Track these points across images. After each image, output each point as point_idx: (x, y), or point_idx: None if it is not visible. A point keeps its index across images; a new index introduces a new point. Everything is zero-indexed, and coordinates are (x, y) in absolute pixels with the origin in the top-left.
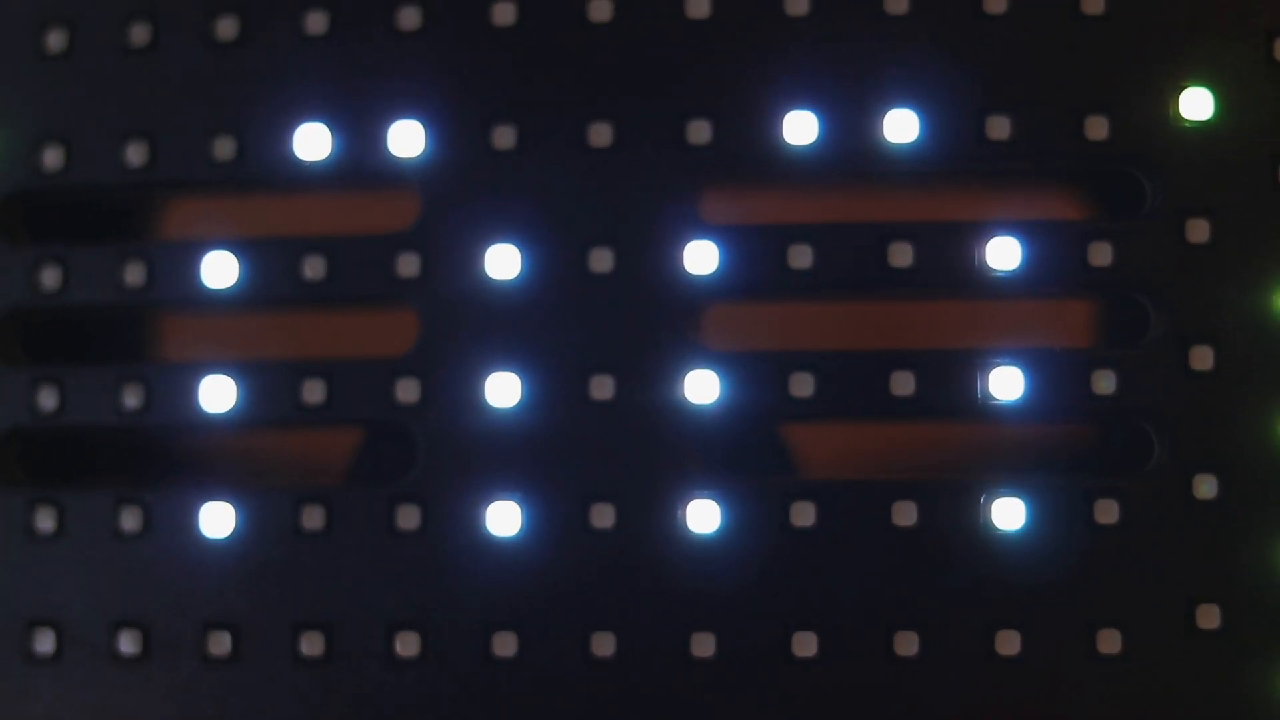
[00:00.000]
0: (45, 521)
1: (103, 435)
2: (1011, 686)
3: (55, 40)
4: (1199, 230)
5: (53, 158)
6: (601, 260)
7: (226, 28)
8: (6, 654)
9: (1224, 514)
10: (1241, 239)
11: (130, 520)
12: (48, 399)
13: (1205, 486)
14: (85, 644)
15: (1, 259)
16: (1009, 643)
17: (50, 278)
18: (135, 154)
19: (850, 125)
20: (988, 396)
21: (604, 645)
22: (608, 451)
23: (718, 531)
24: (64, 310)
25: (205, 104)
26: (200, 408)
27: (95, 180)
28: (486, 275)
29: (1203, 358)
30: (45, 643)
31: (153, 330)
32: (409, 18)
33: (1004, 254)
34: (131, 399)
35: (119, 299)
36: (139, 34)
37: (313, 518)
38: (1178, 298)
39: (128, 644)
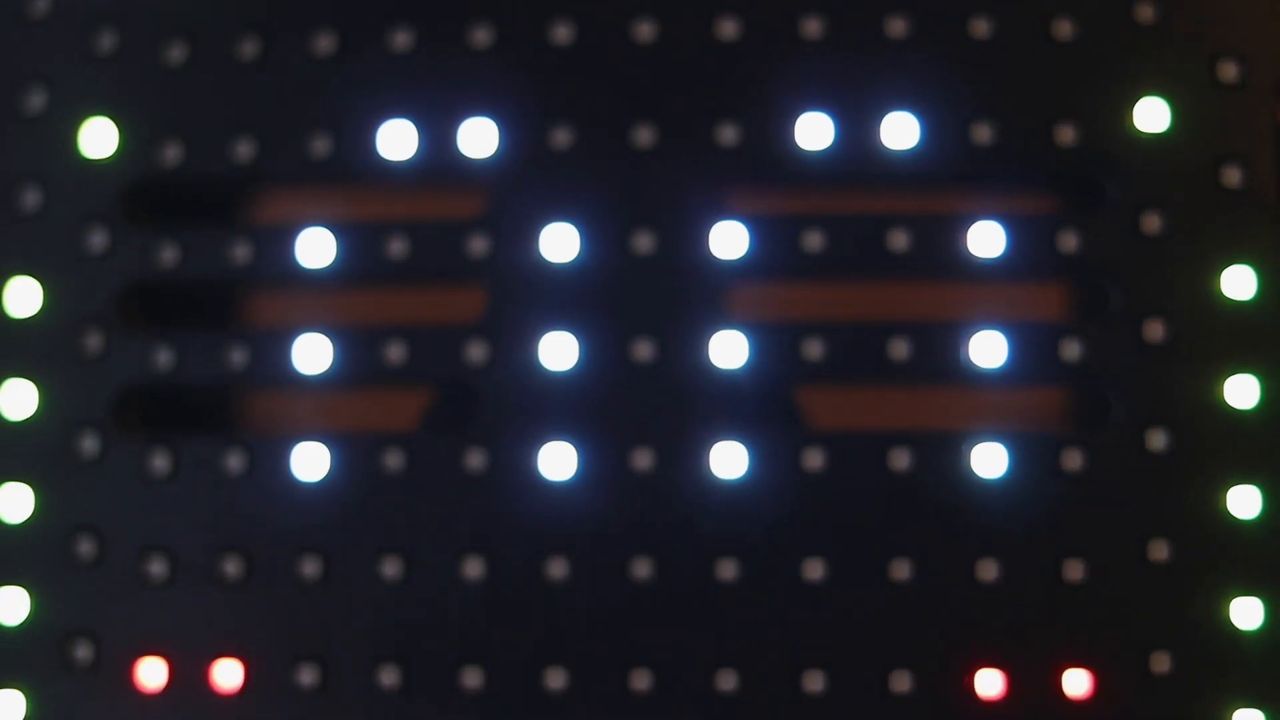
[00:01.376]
0: (161, 463)
1: (212, 391)
2: (990, 608)
3: (177, 53)
4: (1152, 223)
5: (173, 153)
6: (644, 243)
7: (325, 44)
8: (126, 578)
9: (1172, 464)
10: (1188, 230)
11: (235, 462)
12: (165, 359)
13: (1156, 440)
14: (194, 569)
15: (126, 239)
16: (988, 570)
17: (169, 254)
18: (244, 150)
19: (857, 131)
20: (972, 362)
21: (642, 569)
22: (647, 405)
23: (740, 474)
24: (180, 282)
25: (305, 108)
26: (296, 368)
27: (209, 172)
28: (544, 256)
29: (1154, 331)
30: (160, 568)
31: (256, 301)
32: (482, 37)
33: (986, 241)
34: (237, 359)
35: (228, 274)
36: (249, 49)
37: (394, 460)
38: (1133, 280)
39: (232, 568)
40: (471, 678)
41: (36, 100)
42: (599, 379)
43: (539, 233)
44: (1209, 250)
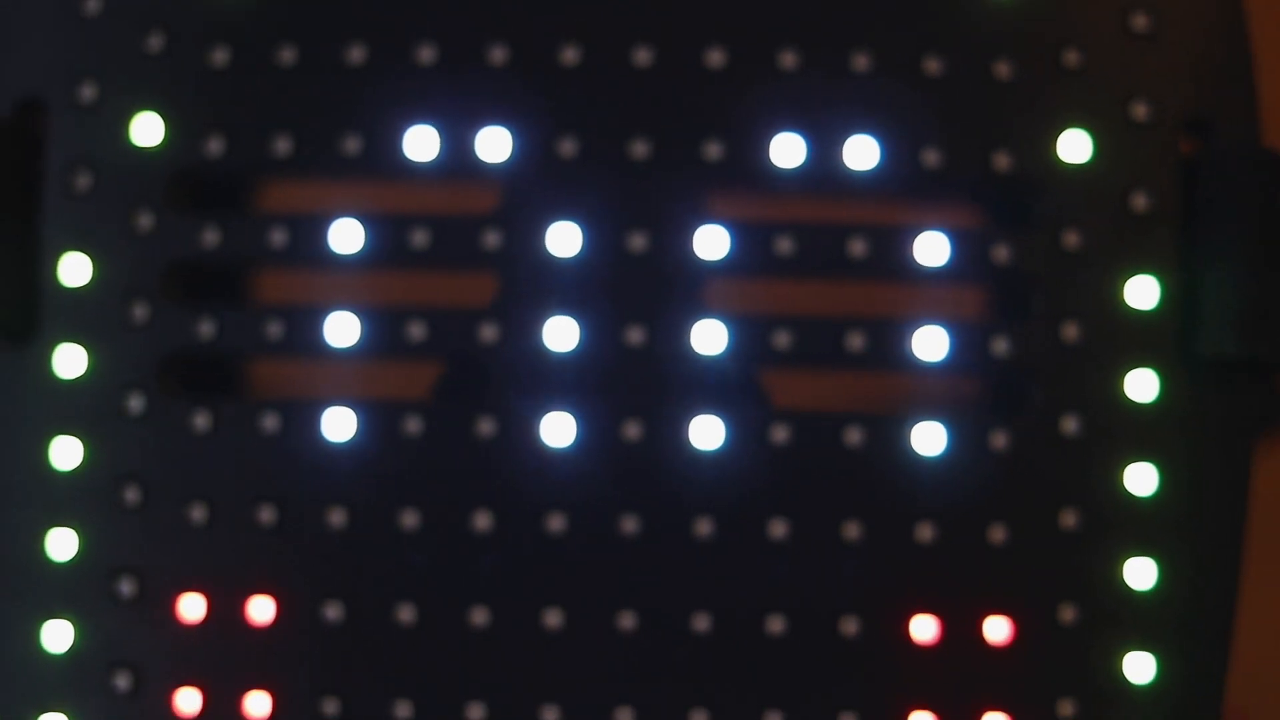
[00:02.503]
0: (201, 421)
1: (248, 359)
2: (926, 565)
3: (221, 56)
4: (1071, 239)
5: (215, 145)
6: (637, 242)
7: (357, 55)
8: (168, 522)
9: (1081, 445)
10: (1101, 246)
11: (270, 422)
12: (206, 329)
13: (1069, 424)
14: (231, 515)
15: (172, 223)
16: (925, 532)
17: (210, 236)
18: (281, 145)
19: (823, 150)
20: (915, 354)
21: (630, 525)
22: (637, 383)
23: (715, 445)
24: (219, 262)
25: (338, 111)
26: (326, 340)
27: (248, 163)
28: (550, 250)
29: (1070, 331)
30: (199, 513)
31: (290, 280)
32: (498, 55)
33: (931, 250)
34: (273, 331)
35: (264, 255)
36: (287, 55)
37: (412, 424)
38: (1053, 287)
39: (266, 516)
40: (479, 615)
41: (89, 93)
42: (595, 359)
43: (545, 229)
44: (1119, 263)
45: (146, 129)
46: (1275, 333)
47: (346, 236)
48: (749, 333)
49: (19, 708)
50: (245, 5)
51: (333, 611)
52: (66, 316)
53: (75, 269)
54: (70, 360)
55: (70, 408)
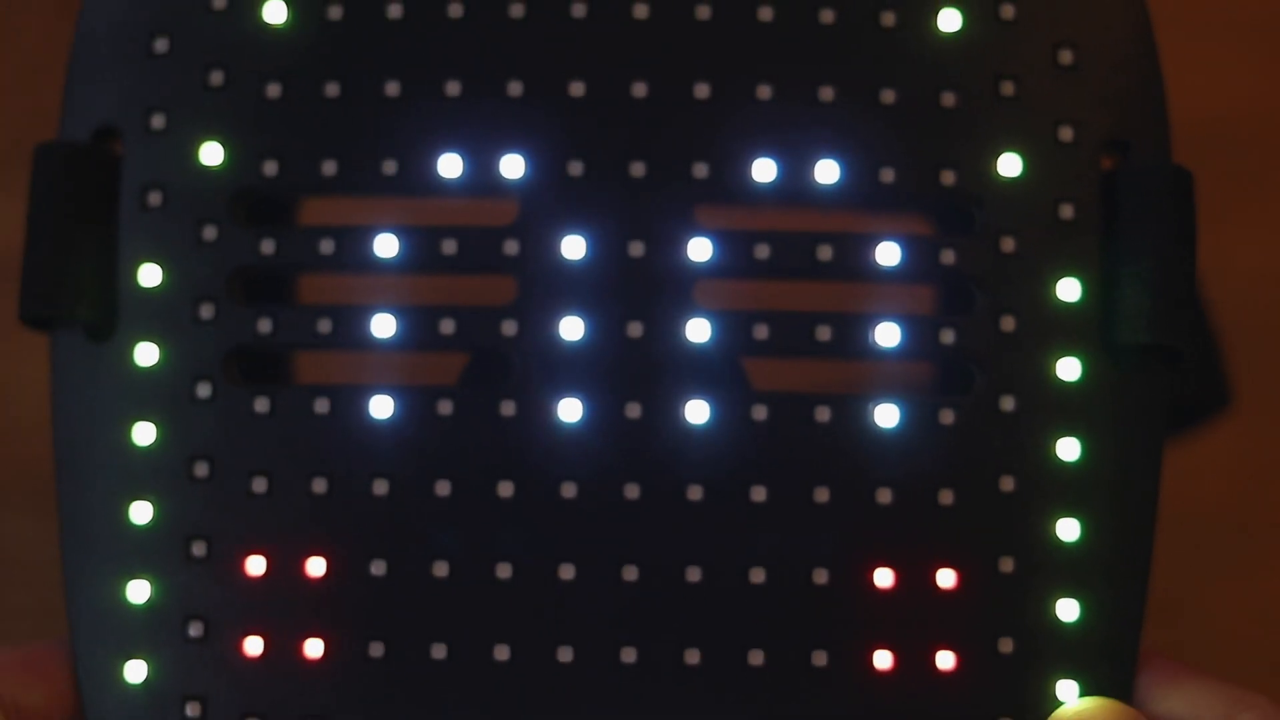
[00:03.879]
0: (261, 406)
1: (301, 351)
2: (886, 524)
3: (274, 90)
4: (1008, 244)
5: (270, 167)
6: (636, 249)
7: (392, 88)
8: (233, 493)
9: (1018, 421)
10: (1033, 251)
11: (321, 405)
12: (264, 326)
13: (1007, 404)
14: (288, 486)
15: (233, 234)
16: (885, 496)
17: (267, 246)
18: (328, 168)
19: (795, 170)
20: (876, 343)
21: (632, 492)
22: (637, 371)
23: (704, 422)
24: (275, 268)
25: (377, 138)
26: (369, 335)
27: (299, 184)
28: (562, 256)
29: (1007, 324)
30: (260, 485)
31: (337, 283)
32: (515, 89)
33: (888, 255)
34: (323, 328)
35: (314, 262)
36: (331, 89)
37: (444, 407)
38: (993, 286)
39: (319, 487)
40: (503, 570)
41: (159, 122)
42: (601, 350)
43: (558, 239)
44: (1048, 265)
45: (210, 153)
46: (1182, 324)
47: (385, 245)
48: (732, 326)
49: (105, 654)
50: (295, 45)
51: (376, 568)
52: (142, 316)
53: (149, 275)
54: (146, 354)
55: (146, 395)
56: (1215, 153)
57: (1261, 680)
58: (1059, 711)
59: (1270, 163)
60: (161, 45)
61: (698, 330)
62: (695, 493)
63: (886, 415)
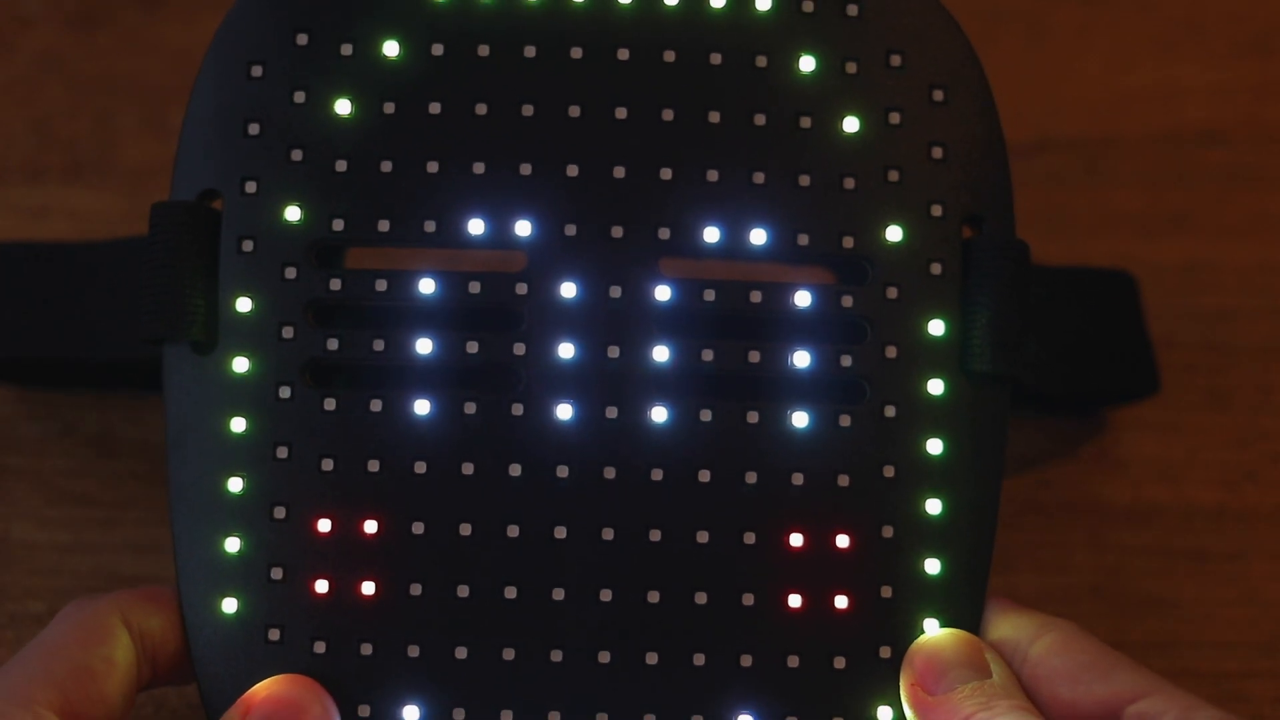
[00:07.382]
0: (330, 405)
1: (362, 365)
2: (798, 499)
3: (340, 165)
4: (893, 293)
5: (337, 224)
6: (615, 292)
7: (433, 166)
8: (307, 471)
9: (897, 424)
10: (911, 299)
11: (375, 405)
12: (332, 344)
13: (890, 411)
14: (349, 466)
15: (308, 275)
16: (798, 479)
17: (335, 284)
18: (382, 225)
19: (735, 235)
20: (793, 364)
21: (610, 473)
22: (615, 381)
23: (663, 421)
24: (341, 300)
25: (420, 204)
26: (414, 351)
27: (359, 237)
28: (560, 296)
29: (891, 352)
30: (328, 465)
31: (388, 316)
32: (525, 169)
33: (803, 299)
34: (378, 345)
35: (370, 296)
36: (386, 165)
37: (470, 408)
38: (881, 324)
39: (373, 466)
40: (512, 530)
41: (251, 187)
42: (589, 367)
43: (557, 283)
44: (922, 309)
45: (291, 212)
46: (1019, 357)
47: (425, 285)
48: (686, 351)
49: (206, 593)
50: (357, 131)
51: (416, 528)
52: (237, 335)
53: (243, 304)
54: (240, 364)
55: (240, 396)
56: (1214, 152)
57: (1254, 668)
58: (919, 639)
59: (1262, 163)
60: (254, 129)
61: (660, 353)
62: (657, 474)
63: (800, 418)
